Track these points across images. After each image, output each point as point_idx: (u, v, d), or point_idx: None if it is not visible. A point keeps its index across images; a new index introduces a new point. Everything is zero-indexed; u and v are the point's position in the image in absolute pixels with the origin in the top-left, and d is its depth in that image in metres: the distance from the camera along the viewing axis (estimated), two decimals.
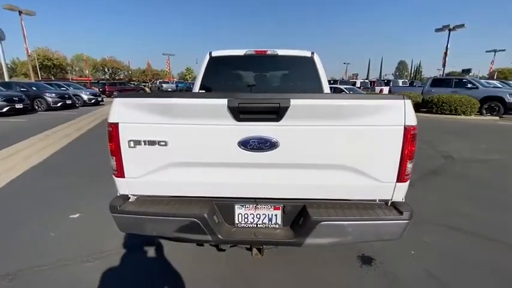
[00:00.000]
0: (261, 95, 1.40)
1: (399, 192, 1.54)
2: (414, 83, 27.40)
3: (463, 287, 1.87)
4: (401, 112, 1.42)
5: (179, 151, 1.48)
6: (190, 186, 1.58)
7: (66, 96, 13.98)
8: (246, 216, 1.61)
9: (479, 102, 11.56)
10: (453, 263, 2.11)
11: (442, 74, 25.08)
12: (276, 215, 1.61)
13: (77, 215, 2.80)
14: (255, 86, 3.32)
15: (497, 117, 11.52)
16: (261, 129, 1.41)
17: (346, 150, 1.45)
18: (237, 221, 1.62)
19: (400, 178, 1.50)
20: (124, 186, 1.58)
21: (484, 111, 11.90)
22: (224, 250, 2.21)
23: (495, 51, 33.44)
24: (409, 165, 1.49)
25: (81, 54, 49.59)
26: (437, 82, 13.94)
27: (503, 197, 3.40)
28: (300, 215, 1.58)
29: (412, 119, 1.43)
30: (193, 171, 1.53)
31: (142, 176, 1.55)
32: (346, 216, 1.48)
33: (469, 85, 12.55)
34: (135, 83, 33.27)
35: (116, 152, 1.51)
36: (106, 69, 53.16)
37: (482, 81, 14.03)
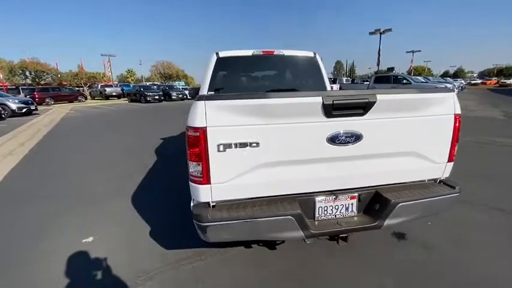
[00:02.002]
0: (350, 91, 1.50)
1: (448, 171, 1.82)
2: (355, 80, 30.57)
3: (479, 243, 2.26)
4: (452, 103, 1.67)
5: (270, 151, 1.48)
6: (274, 186, 1.58)
7: None
8: (325, 208, 1.69)
9: None
10: (465, 227, 2.53)
11: (376, 71, 28.51)
12: (352, 204, 1.72)
13: (91, 238, 2.46)
14: (265, 86, 3.37)
15: None
16: (348, 124, 1.51)
17: (413, 138, 1.66)
18: (317, 215, 1.68)
19: (450, 158, 1.77)
20: (207, 192, 1.50)
21: None
22: (275, 249, 2.24)
23: (413, 51, 39.45)
24: (456, 147, 1.77)
25: None
26: (379, 79, 15.91)
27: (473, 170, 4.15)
28: (373, 201, 1.73)
29: (458, 108, 1.70)
30: (280, 170, 1.55)
31: (230, 180, 1.49)
32: (416, 196, 1.68)
33: (404, 81, 14.67)
34: (69, 88, 29.29)
35: (203, 158, 1.43)
36: (27, 73, 45.38)
37: (413, 77, 16.49)
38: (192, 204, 1.60)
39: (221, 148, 1.43)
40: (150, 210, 2.97)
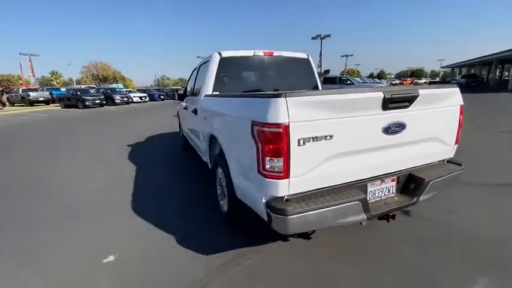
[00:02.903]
0: (401, 87, 1.72)
1: (453, 152, 2.21)
2: None
3: (467, 214, 2.77)
4: (459, 95, 2.06)
5: (341, 143, 1.60)
6: (339, 176, 1.71)
7: None
8: (374, 192, 1.89)
9: None
10: (444, 199, 3.04)
11: (317, 73, 31.04)
12: (392, 186, 1.96)
13: (112, 257, 2.18)
14: (268, 86, 3.46)
15: None
16: (397, 116, 1.74)
17: (438, 125, 1.98)
18: (368, 198, 1.86)
19: (456, 141, 2.16)
20: (285, 187, 1.55)
21: None
22: (311, 238, 2.36)
23: (347, 56, 44.27)
24: (460, 131, 2.17)
25: None
26: (326, 80, 17.46)
27: None
28: (408, 181, 2.00)
29: (462, 99, 2.09)
30: (345, 160, 1.68)
31: (306, 173, 1.56)
32: (441, 174, 2.01)
33: (349, 82, 16.42)
34: None
35: (285, 153, 1.47)
36: None
37: (355, 78, 18.57)
38: (264, 200, 1.61)
39: (301, 142, 1.49)
40: (161, 217, 2.77)
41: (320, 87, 3.84)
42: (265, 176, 1.55)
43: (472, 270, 1.90)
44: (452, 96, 2.02)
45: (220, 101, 2.50)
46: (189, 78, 4.86)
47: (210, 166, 3.08)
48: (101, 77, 50.21)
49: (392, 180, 1.95)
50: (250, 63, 3.38)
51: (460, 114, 2.10)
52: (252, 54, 3.30)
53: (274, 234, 2.39)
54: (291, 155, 1.48)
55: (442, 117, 1.99)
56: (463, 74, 40.30)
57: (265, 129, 1.48)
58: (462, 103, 2.09)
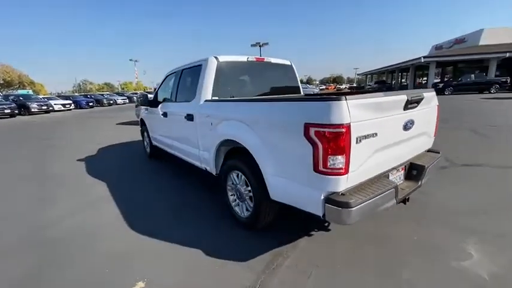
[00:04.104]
0: (415, 91, 2.08)
1: (432, 142, 2.75)
2: None
3: (436, 194, 3.42)
4: (435, 97, 2.59)
5: (380, 140, 1.85)
6: (375, 168, 1.96)
7: None
8: (392, 180, 2.21)
9: None
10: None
11: None
12: (402, 174, 2.33)
13: (142, 283, 1.94)
14: (260, 90, 3.55)
15: None
16: (410, 114, 2.10)
17: (427, 121, 2.45)
18: None
19: (435, 133, 2.70)
20: (344, 182, 1.70)
21: None
22: (330, 230, 2.57)
23: None
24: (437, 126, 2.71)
25: None
26: None
27: None
28: (410, 169, 2.40)
29: (437, 101, 2.63)
30: (380, 155, 1.94)
31: (358, 168, 1.76)
32: (432, 160, 2.48)
33: None
34: None
35: (347, 151, 1.64)
36: None
37: None
38: (322, 196, 1.73)
39: (358, 140, 1.67)
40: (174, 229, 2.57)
41: (301, 89, 4.16)
42: (326, 174, 1.68)
43: (459, 234, 2.41)
44: (434, 98, 2.53)
45: (244, 105, 2.47)
46: (162, 84, 4.58)
47: (215, 172, 3.00)
48: (2, 82, 41.10)
49: (402, 169, 2.32)
50: (244, 68, 3.44)
51: (437, 112, 2.63)
52: (245, 60, 3.37)
53: (294, 230, 2.54)
54: (351, 152, 1.65)
55: (429, 115, 2.48)
56: (375, 80, 47.99)
57: (327, 129, 1.61)
58: (438, 103, 2.63)
